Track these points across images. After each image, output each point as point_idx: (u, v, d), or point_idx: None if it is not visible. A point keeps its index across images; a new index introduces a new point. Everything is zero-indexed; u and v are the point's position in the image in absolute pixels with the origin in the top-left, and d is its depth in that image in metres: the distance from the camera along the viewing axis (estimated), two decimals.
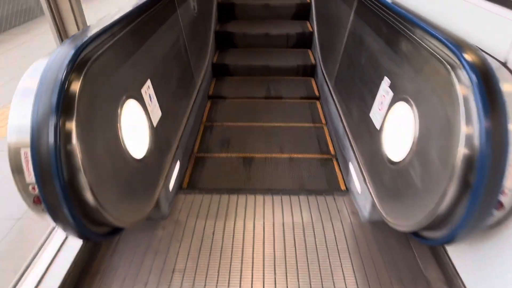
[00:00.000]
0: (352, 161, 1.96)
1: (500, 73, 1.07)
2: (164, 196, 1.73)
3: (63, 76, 1.03)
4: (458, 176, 1.03)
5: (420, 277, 1.49)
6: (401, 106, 1.40)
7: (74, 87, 1.06)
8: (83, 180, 1.05)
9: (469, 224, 1.06)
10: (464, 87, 1.04)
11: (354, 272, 1.51)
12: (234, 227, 1.75)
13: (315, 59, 3.49)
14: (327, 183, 2.13)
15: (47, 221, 1.14)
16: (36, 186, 1.03)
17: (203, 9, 3.10)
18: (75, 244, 1.49)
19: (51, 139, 0.98)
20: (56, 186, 1.00)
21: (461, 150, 1.01)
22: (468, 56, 1.06)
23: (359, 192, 1.82)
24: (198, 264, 1.54)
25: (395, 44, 1.52)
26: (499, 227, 1.17)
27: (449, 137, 1.06)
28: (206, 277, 1.49)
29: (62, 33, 1.49)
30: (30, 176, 1.03)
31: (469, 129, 1.00)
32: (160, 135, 1.69)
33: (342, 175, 2.20)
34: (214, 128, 2.70)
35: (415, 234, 1.35)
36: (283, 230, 1.74)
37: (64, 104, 1.01)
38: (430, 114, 1.21)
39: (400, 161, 1.36)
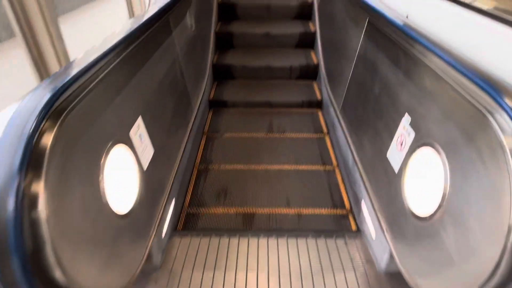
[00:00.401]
0: (365, 200, 1.78)
1: None
2: (156, 245, 1.54)
3: (32, 129, 0.86)
4: None
5: None
6: (426, 151, 1.22)
7: (44, 142, 0.88)
8: (51, 256, 0.87)
9: None
10: (510, 138, 0.87)
11: None
12: (235, 279, 1.56)
13: (321, 93, 3.32)
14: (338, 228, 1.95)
15: None
16: None
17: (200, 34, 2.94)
18: None
19: (11, 206, 0.80)
20: (14, 265, 0.82)
21: None
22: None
23: (374, 238, 1.64)
24: None
25: (416, 77, 1.35)
26: None
27: (496, 203, 0.88)
28: None
29: (42, 71, 1.32)
30: None
31: None
32: (152, 176, 1.51)
33: (353, 213, 2.02)
34: (210, 172, 2.35)
35: None
36: (290, 281, 1.56)
37: (30, 163, 0.84)
38: (465, 168, 1.03)
39: (426, 217, 1.18)
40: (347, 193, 2.17)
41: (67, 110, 0.96)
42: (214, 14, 3.61)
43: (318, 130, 2.85)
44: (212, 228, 1.94)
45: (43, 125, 0.89)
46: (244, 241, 1.76)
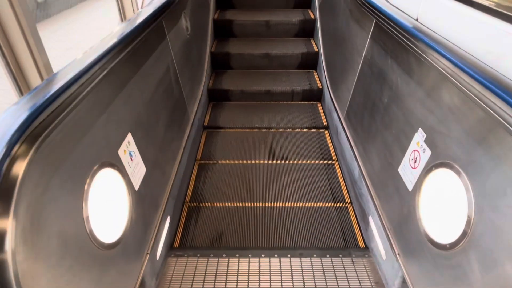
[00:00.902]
0: (373, 216, 1.67)
1: None
2: (149, 270, 1.43)
3: (1, 156, 0.74)
4: None
5: None
6: (445, 173, 1.11)
7: (16, 171, 0.76)
8: None
9: None
10: None
11: None
12: None
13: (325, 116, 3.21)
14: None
15: None
16: None
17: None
18: None
19: None
20: None
21: None
22: None
23: (384, 259, 1.53)
24: None
25: (431, 88, 1.24)
26: None
27: None
28: None
29: (21, 86, 1.19)
30: None
31: None
32: (144, 196, 1.40)
33: (360, 228, 1.91)
34: (202, 211, 2.03)
35: None
36: None
37: None
38: (493, 193, 0.92)
39: (447, 245, 1.07)
40: (360, 229, 1.93)
41: (45, 133, 0.85)
42: (210, 32, 3.40)
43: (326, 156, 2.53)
44: (210, 246, 1.82)
45: (16, 151, 0.77)
46: (244, 262, 1.65)
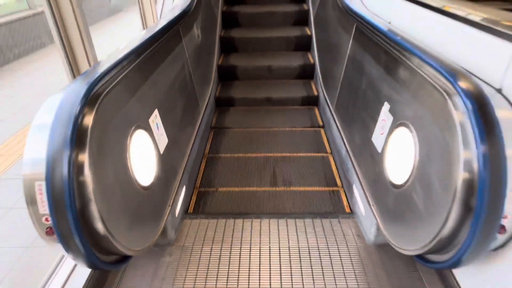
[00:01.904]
0: (355, 184, 1.98)
1: (495, 99, 1.12)
2: (170, 222, 1.75)
3: (77, 112, 1.08)
4: (460, 200, 1.05)
5: None
6: (401, 131, 1.44)
7: (87, 122, 1.11)
8: (94, 211, 1.09)
9: (473, 247, 1.07)
10: (460, 114, 1.08)
11: None
12: (240, 252, 1.75)
13: (317, 90, 3.57)
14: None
15: (58, 251, 1.17)
16: (49, 217, 1.06)
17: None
18: (83, 273, 1.50)
19: (65, 171, 1.02)
20: (68, 216, 1.04)
21: (461, 175, 1.04)
22: (463, 84, 1.10)
23: (364, 215, 1.83)
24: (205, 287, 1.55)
25: (394, 71, 1.58)
26: (505, 250, 1.18)
27: (449, 162, 1.09)
28: None
29: (74, 69, 1.56)
30: (43, 207, 1.06)
31: (467, 154, 1.04)
32: (166, 161, 1.74)
33: (347, 198, 2.22)
34: (212, 192, 2.28)
35: (421, 257, 1.36)
36: (289, 254, 1.75)
37: (77, 138, 1.06)
38: (430, 139, 1.24)
39: (402, 184, 1.39)
40: (347, 200, 2.25)
41: (101, 98, 1.19)
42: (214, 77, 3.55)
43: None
44: (219, 212, 2.14)
45: (85, 109, 1.12)
46: (248, 222, 1.96)
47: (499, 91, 1.17)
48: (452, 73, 1.16)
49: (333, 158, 2.67)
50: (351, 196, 2.09)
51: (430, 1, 1.70)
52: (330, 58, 2.97)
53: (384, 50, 1.69)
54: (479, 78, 1.25)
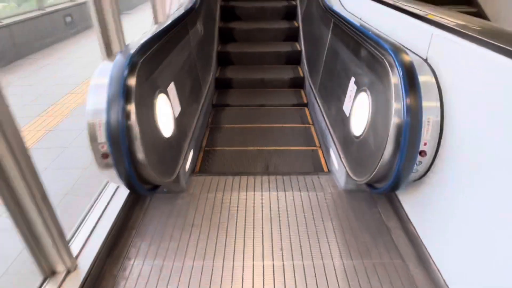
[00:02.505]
0: (332, 147, 2.44)
1: (422, 67, 1.58)
2: (182, 174, 2.18)
3: (126, 74, 1.53)
4: (392, 138, 1.51)
5: (383, 226, 1.93)
6: (361, 95, 1.90)
7: (131, 82, 1.55)
8: (139, 145, 1.53)
9: (402, 172, 1.54)
10: (396, 78, 1.54)
11: (333, 226, 1.95)
12: (238, 197, 2.19)
13: (303, 73, 4.04)
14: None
15: (105, 175, 1.60)
16: (105, 145, 1.50)
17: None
18: (116, 205, 1.93)
19: (120, 116, 1.47)
20: (122, 148, 1.48)
21: (393, 120, 1.50)
22: (398, 57, 1.57)
23: (337, 169, 2.29)
24: (211, 221, 1.98)
25: (358, 52, 2.05)
26: (424, 180, 1.64)
27: (387, 113, 1.56)
28: (217, 229, 1.93)
29: (107, 50, 1.99)
30: (101, 138, 1.49)
31: (397, 106, 1.50)
32: (179, 125, 2.17)
33: (325, 160, 2.68)
34: (215, 152, 3.09)
35: (371, 186, 1.82)
36: (277, 198, 2.19)
37: (126, 94, 1.50)
38: (378, 99, 1.71)
39: (360, 135, 1.85)
40: (325, 161, 2.80)
41: (138, 67, 1.63)
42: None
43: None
44: (220, 171, 2.58)
45: (129, 72, 1.55)
46: (244, 178, 2.40)
47: (425, 60, 1.63)
48: (393, 50, 1.63)
49: (314, 129, 3.13)
50: (328, 158, 2.55)
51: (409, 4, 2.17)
52: (313, 49, 3.44)
53: (351, 37, 2.16)
54: (415, 53, 1.72)
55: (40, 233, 1.35)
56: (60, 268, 1.48)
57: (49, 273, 1.46)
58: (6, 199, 1.22)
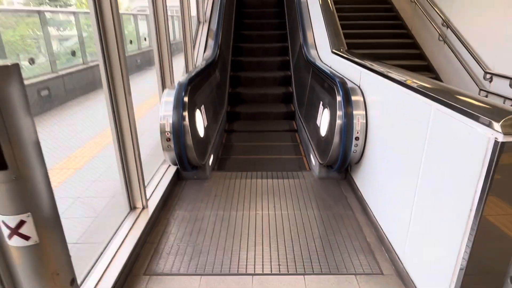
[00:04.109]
0: (311, 152, 3.47)
1: (355, 88, 2.69)
2: (207, 166, 3.20)
3: (183, 95, 2.65)
4: (337, 134, 2.57)
5: (342, 195, 2.89)
6: (324, 110, 3.00)
7: (185, 100, 2.67)
8: (188, 136, 2.59)
9: (346, 151, 2.57)
10: (339, 97, 2.65)
11: (310, 197, 2.91)
12: (245, 182, 3.18)
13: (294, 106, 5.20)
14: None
15: (166, 156, 2.64)
16: (169, 133, 2.56)
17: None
18: (166, 182, 2.92)
19: (180, 119, 2.56)
20: (180, 139, 2.54)
21: (338, 122, 2.58)
22: (340, 84, 2.70)
23: (314, 164, 3.30)
24: (228, 193, 2.95)
25: (324, 85, 3.18)
26: (363, 160, 2.66)
27: (335, 118, 2.63)
28: (232, 197, 2.89)
29: (163, 83, 3.15)
30: (167, 129, 2.56)
31: (339, 113, 2.59)
32: (207, 132, 3.24)
33: (308, 163, 3.70)
34: (229, 159, 4.20)
35: (331, 167, 2.83)
36: (273, 184, 3.16)
37: (183, 106, 2.61)
38: (331, 110, 2.80)
39: (324, 135, 2.90)
40: (308, 164, 3.84)
41: (188, 91, 2.76)
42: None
43: None
44: (232, 169, 3.58)
45: (184, 94, 2.69)
46: (250, 174, 3.40)
47: (359, 86, 2.74)
48: (339, 81, 2.76)
49: (301, 145, 4.18)
50: (309, 160, 3.57)
51: (344, 54, 3.37)
52: (300, 89, 4.64)
53: (320, 77, 3.32)
54: (353, 82, 2.83)
55: (133, 179, 2.34)
56: (139, 205, 2.44)
57: (133, 207, 2.42)
58: (120, 155, 2.24)
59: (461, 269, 1.33)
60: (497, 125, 1.17)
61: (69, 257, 1.08)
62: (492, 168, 1.17)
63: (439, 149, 1.54)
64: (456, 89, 1.63)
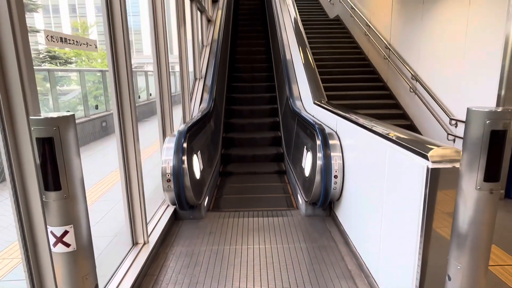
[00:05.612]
0: (298, 191, 3.78)
1: (332, 133, 3.10)
2: (202, 206, 3.47)
3: (182, 142, 3.03)
4: (318, 173, 2.93)
5: (326, 230, 3.15)
6: (308, 153, 3.38)
7: (185, 145, 3.04)
8: (187, 178, 2.92)
9: (324, 193, 2.91)
10: (319, 141, 3.05)
11: (297, 232, 3.16)
12: (238, 220, 3.43)
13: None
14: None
15: (166, 196, 2.94)
16: (169, 175, 2.88)
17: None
18: (164, 221, 3.17)
19: (179, 163, 2.91)
20: (179, 178, 2.87)
21: (318, 163, 2.95)
22: (319, 130, 3.11)
23: (301, 203, 3.60)
24: (222, 230, 3.20)
25: (307, 131, 3.60)
26: (341, 199, 2.99)
27: (316, 159, 3.01)
28: (230, 235, 3.13)
29: (165, 132, 3.55)
30: (168, 171, 2.89)
31: (319, 155, 2.97)
32: (202, 175, 3.56)
33: (295, 202, 3.98)
34: (224, 197, 4.49)
35: (315, 204, 3.13)
36: (263, 221, 3.42)
37: (182, 151, 2.98)
38: (313, 152, 3.18)
39: (308, 175, 3.25)
40: (295, 203, 4.13)
41: (187, 138, 3.14)
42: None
43: None
44: (226, 209, 3.84)
45: (184, 140, 3.07)
46: (242, 213, 3.66)
47: (335, 132, 3.16)
48: (318, 127, 3.18)
49: (289, 185, 4.48)
50: (297, 199, 3.86)
51: (324, 105, 3.84)
52: (287, 134, 5.08)
53: (304, 124, 3.76)
54: (331, 128, 3.25)
55: (137, 216, 2.61)
56: (141, 241, 2.67)
57: (135, 242, 2.65)
58: (127, 193, 2.54)
59: (417, 272, 1.61)
60: (427, 156, 1.54)
61: (94, 263, 1.34)
62: (428, 188, 1.52)
63: (394, 180, 1.89)
64: (403, 130, 2.03)
